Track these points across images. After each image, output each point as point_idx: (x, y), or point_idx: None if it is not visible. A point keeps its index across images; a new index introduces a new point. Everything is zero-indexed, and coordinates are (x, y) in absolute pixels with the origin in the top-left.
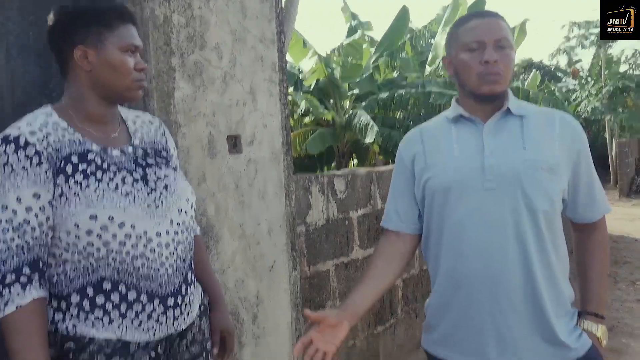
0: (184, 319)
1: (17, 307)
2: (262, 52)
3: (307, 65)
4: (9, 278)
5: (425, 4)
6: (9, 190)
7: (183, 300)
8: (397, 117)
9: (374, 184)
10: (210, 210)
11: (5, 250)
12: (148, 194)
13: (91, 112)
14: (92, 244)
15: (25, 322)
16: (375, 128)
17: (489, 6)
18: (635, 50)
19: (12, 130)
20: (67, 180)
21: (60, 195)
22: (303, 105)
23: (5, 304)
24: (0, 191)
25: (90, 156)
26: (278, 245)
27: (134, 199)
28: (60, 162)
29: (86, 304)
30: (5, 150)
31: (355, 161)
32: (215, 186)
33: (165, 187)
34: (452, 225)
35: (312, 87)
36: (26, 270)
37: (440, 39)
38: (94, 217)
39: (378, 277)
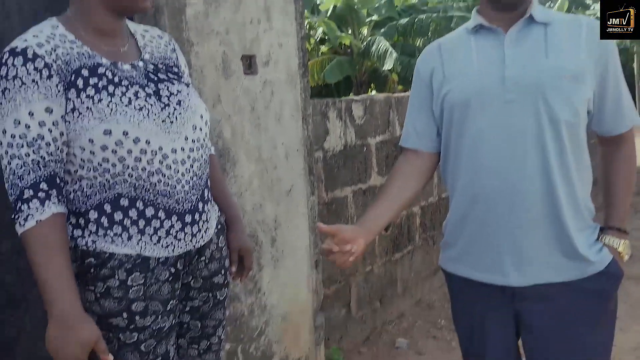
0: (202, 236)
1: (37, 222)
2: None
3: None
4: (27, 193)
5: None
6: (20, 105)
7: (200, 217)
8: (417, 44)
9: (392, 110)
10: (226, 133)
11: (22, 166)
12: (162, 109)
13: (99, 25)
14: (108, 160)
15: (46, 236)
16: (394, 54)
17: None
18: None
19: (18, 43)
20: (78, 95)
21: (73, 110)
22: (320, 30)
23: (25, 219)
24: (11, 105)
25: (100, 70)
26: (295, 170)
27: (148, 114)
28: (71, 76)
29: (104, 220)
30: (13, 63)
31: (373, 91)
32: (231, 108)
33: (179, 102)
34: (471, 138)
35: (329, 13)
36: (43, 185)
37: None
38: (108, 132)
39: (395, 195)
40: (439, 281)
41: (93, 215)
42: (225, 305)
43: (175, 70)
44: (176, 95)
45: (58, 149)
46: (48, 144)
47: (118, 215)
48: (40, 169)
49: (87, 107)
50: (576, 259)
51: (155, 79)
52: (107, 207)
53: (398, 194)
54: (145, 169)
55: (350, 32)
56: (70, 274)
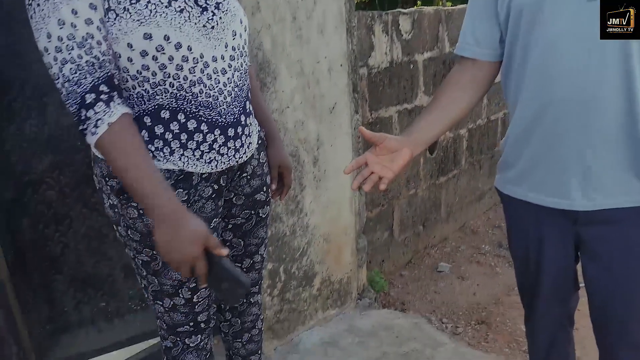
0: (245, 151)
1: (108, 125)
2: None
3: None
4: (89, 98)
5: None
6: (61, 2)
7: (243, 131)
8: None
9: (442, 25)
10: (266, 44)
11: (76, 70)
12: (200, 12)
13: None
14: (148, 68)
15: (122, 139)
16: None
17: None
18: None
19: None
20: None
21: (108, 10)
22: None
23: (96, 126)
24: (50, 5)
25: None
26: (339, 86)
27: (189, 17)
28: None
29: (145, 133)
30: None
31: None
32: (271, 17)
33: (217, 5)
34: (542, 43)
35: None
36: (104, 87)
37: None
38: (148, 36)
39: (448, 105)
40: (484, 206)
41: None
42: (267, 224)
43: None
44: None
45: (110, 47)
46: (99, 43)
47: (159, 129)
48: (96, 70)
49: (124, 8)
50: None
51: None
52: (147, 120)
53: (451, 104)
54: (187, 78)
55: None
56: (159, 172)
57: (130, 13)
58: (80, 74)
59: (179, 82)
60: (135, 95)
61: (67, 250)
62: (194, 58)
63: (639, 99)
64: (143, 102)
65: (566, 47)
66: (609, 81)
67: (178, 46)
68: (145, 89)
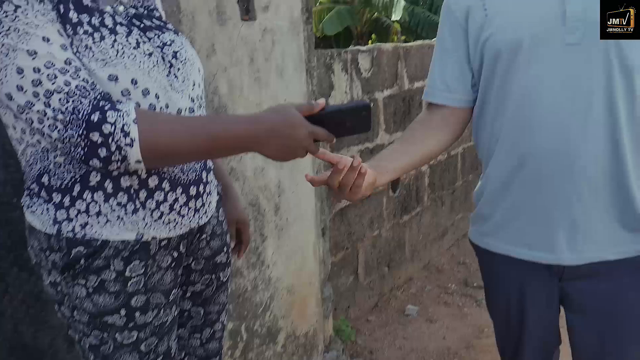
0: (205, 210)
1: (134, 122)
2: None
3: None
4: (96, 117)
5: None
6: (26, 33)
7: (204, 189)
8: None
9: (401, 62)
10: (222, 88)
11: (67, 99)
12: (162, 59)
13: None
14: None
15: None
16: (402, 3)
17: None
18: None
19: None
20: (75, 30)
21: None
22: None
23: (125, 134)
24: (10, 40)
25: (85, 2)
26: None
27: (157, 62)
28: (59, 5)
29: (98, 195)
30: None
31: (375, 43)
32: (227, 59)
33: (175, 55)
34: (520, 91)
35: None
36: (104, 102)
37: None
38: (114, 78)
39: (418, 142)
40: (447, 243)
41: (82, 188)
42: (228, 287)
43: (158, 15)
44: (170, 45)
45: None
46: (79, 69)
47: (115, 187)
48: (90, 92)
49: (87, 46)
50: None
51: (142, 26)
52: (100, 178)
53: (421, 142)
54: None
55: None
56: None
57: (93, 52)
58: (73, 100)
59: None
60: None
61: (3, 318)
62: (160, 107)
63: (624, 146)
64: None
65: (547, 94)
66: (594, 129)
67: (145, 92)
68: None
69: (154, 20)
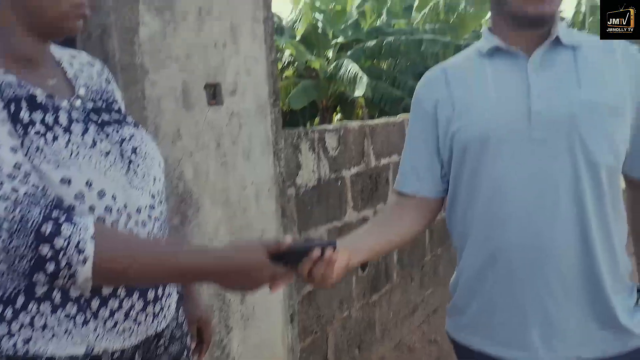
0: (164, 315)
1: (92, 238)
2: None
3: (286, 11)
4: (47, 228)
5: None
6: None
7: (163, 292)
8: (384, 67)
9: (367, 139)
10: (187, 173)
11: (14, 207)
12: (120, 157)
13: (16, 50)
14: None
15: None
16: (365, 79)
17: None
18: None
19: None
20: (26, 131)
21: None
22: (287, 53)
23: (79, 250)
24: None
25: (40, 100)
26: (267, 212)
27: (115, 160)
28: (9, 105)
29: (44, 306)
30: None
31: (339, 115)
32: (193, 144)
33: (134, 150)
34: (489, 184)
35: (296, 35)
36: (56, 212)
37: None
38: (66, 181)
39: (390, 226)
40: (418, 320)
41: (26, 300)
42: None
43: (117, 107)
44: (129, 140)
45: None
46: (28, 174)
47: (64, 297)
48: (40, 199)
49: (37, 148)
50: (616, 330)
51: (100, 121)
52: (47, 288)
53: (393, 226)
54: None
55: (315, 54)
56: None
57: (45, 153)
58: (21, 209)
59: None
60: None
61: None
62: (117, 209)
63: (594, 241)
64: None
65: (515, 189)
66: (563, 224)
67: (101, 194)
68: None
69: (112, 114)
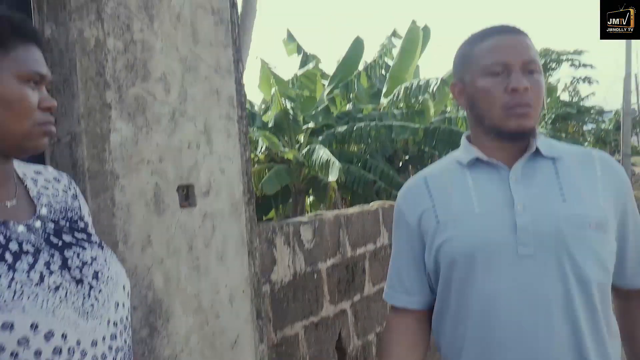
0: None
1: None
2: (218, 83)
3: (258, 97)
4: None
5: (373, 36)
6: None
7: None
8: (355, 150)
9: (342, 230)
10: (157, 282)
11: None
12: (76, 286)
13: None
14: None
15: None
16: (338, 164)
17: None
18: (574, 77)
19: None
20: None
21: None
22: (260, 142)
23: None
24: None
25: None
26: (241, 316)
27: (66, 295)
28: None
29: None
30: None
31: (311, 198)
32: (164, 250)
33: (96, 275)
34: (480, 301)
35: (268, 122)
36: None
37: (398, 69)
38: (8, 326)
39: (409, 351)
40: None
41: None
42: None
43: (82, 225)
44: (90, 264)
45: None
46: None
47: None
48: None
49: None
50: None
51: (60, 243)
52: None
53: (410, 347)
54: None
55: (286, 138)
56: None
57: None
58: None
59: None
60: None
61: None
62: (69, 348)
63: (589, 354)
64: None
65: (506, 308)
66: (558, 345)
67: (49, 335)
68: None
69: (76, 234)
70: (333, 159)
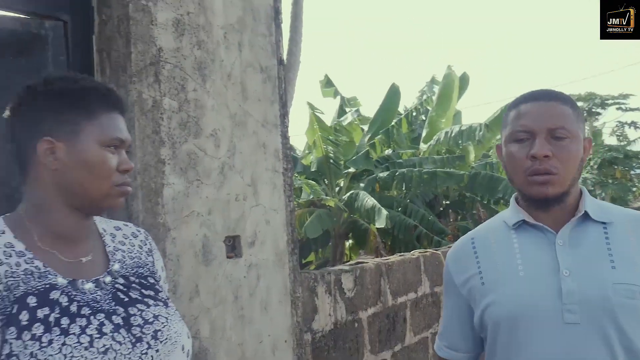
0: None
1: None
2: (265, 137)
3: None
4: None
5: (410, 81)
6: None
7: None
8: (395, 195)
9: (383, 278)
10: (204, 331)
11: None
12: (132, 345)
13: (56, 227)
14: None
15: None
16: (384, 212)
17: (473, 78)
18: (619, 122)
19: None
20: (19, 335)
21: (9, 357)
22: (305, 190)
23: None
24: None
25: (53, 295)
26: None
27: (115, 358)
28: (12, 307)
29: None
30: None
31: (350, 242)
32: (211, 300)
33: (155, 335)
34: None
35: (309, 166)
36: None
37: (436, 115)
38: None
39: None
40: None
41: None
42: None
43: (151, 281)
44: (152, 324)
45: None
46: None
47: None
48: None
49: (31, 353)
50: None
51: (126, 299)
52: None
53: None
54: None
55: (327, 182)
56: None
57: (42, 355)
58: None
59: None
60: None
61: None
62: None
63: None
64: None
65: None
66: None
67: None
68: None
69: (143, 290)
70: (378, 205)
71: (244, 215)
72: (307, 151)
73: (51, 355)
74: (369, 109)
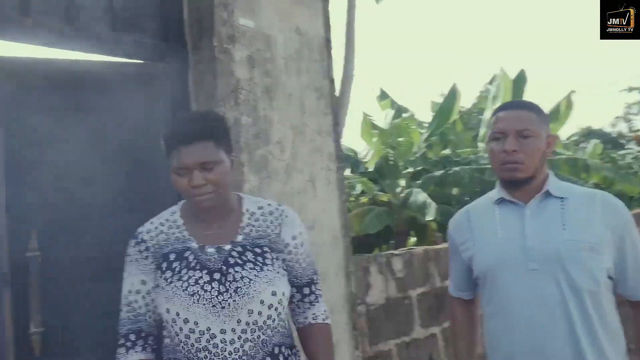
0: None
1: None
2: (320, 143)
3: (361, 145)
4: (121, 340)
5: (469, 83)
6: (127, 277)
7: None
8: (453, 193)
9: (431, 262)
10: None
11: (122, 318)
12: (217, 294)
13: (196, 214)
14: (170, 331)
15: None
16: (434, 205)
17: (533, 76)
18: None
19: (140, 228)
20: (161, 275)
21: (156, 286)
22: (359, 187)
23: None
24: (125, 275)
25: (186, 254)
26: (340, 325)
27: (198, 300)
28: (160, 259)
29: None
30: (130, 244)
31: (412, 238)
32: None
33: (236, 290)
34: (500, 302)
35: (368, 167)
36: (132, 336)
37: (489, 115)
38: (167, 310)
39: (471, 332)
40: None
41: None
42: None
43: (265, 249)
44: (238, 281)
45: (149, 311)
46: (140, 307)
47: None
48: (130, 324)
49: (163, 287)
50: None
51: (232, 262)
52: None
53: (469, 338)
54: (194, 345)
55: (387, 182)
56: None
57: (164, 290)
58: (122, 321)
59: (188, 347)
60: (168, 344)
61: None
62: (200, 330)
63: (584, 351)
64: (168, 352)
65: (520, 308)
66: (558, 336)
67: (186, 321)
68: (172, 343)
69: (250, 256)
70: (429, 200)
71: (305, 205)
72: (365, 153)
73: (168, 290)
74: (425, 114)
